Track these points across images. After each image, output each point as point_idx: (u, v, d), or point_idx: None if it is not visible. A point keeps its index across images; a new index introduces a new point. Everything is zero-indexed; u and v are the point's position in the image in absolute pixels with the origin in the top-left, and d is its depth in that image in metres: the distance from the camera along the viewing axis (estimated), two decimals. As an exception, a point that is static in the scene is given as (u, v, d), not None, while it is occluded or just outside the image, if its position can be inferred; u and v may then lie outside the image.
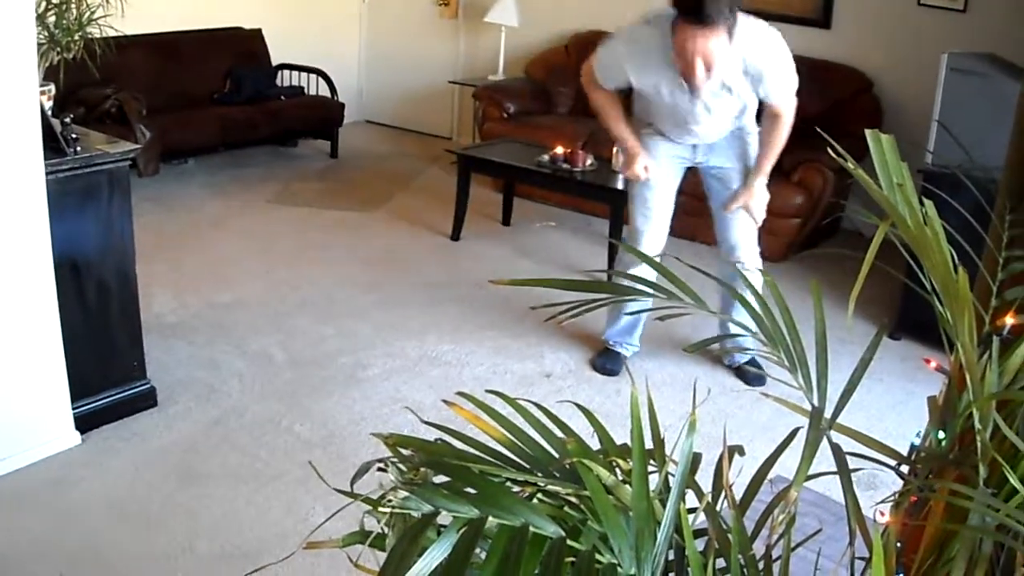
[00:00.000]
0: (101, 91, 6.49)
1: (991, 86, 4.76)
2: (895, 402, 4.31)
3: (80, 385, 3.70)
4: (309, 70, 8.25)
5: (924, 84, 5.30)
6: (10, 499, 3.35)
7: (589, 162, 5.76)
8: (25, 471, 3.50)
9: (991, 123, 4.12)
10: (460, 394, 1.43)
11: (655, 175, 4.31)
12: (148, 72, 7.26)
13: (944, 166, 4.59)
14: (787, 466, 1.33)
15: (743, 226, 4.37)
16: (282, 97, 8.02)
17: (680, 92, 3.96)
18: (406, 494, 1.10)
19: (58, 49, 3.96)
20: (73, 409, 3.69)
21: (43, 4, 3.94)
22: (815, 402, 1.32)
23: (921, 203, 1.25)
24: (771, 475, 1.40)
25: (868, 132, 1.24)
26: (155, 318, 4.66)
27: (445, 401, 1.38)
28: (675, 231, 4.69)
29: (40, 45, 3.81)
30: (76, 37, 4.01)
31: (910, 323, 4.86)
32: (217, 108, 7.56)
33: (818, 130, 1.62)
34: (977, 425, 1.22)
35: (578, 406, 1.49)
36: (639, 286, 1.37)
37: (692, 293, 1.41)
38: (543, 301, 1.46)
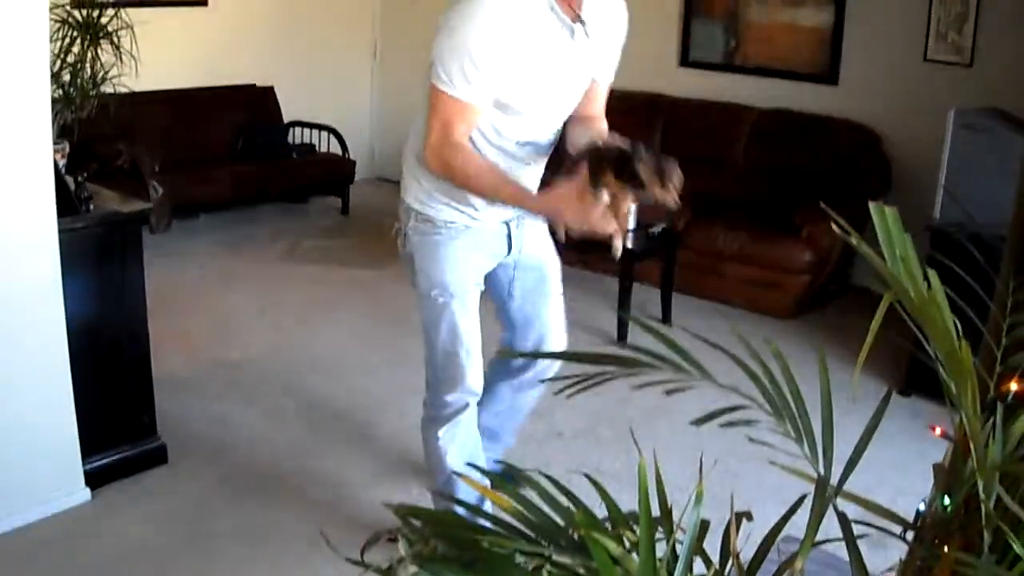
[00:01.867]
0: (114, 146, 6.55)
1: (999, 142, 4.79)
2: (904, 461, 4.28)
3: (91, 441, 3.71)
4: (321, 127, 8.33)
5: (932, 139, 5.32)
6: (19, 555, 3.36)
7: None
8: (35, 526, 3.51)
9: (1000, 179, 4.15)
10: (470, 465, 1.44)
11: (466, 288, 3.16)
12: (161, 128, 7.34)
13: (952, 223, 4.63)
14: (798, 524, 1.34)
15: (556, 304, 3.46)
16: (294, 154, 8.10)
17: (564, 47, 2.87)
18: (415, 569, 1.11)
19: (72, 108, 4.02)
20: (84, 465, 3.70)
21: (58, 63, 4.01)
22: (821, 471, 1.34)
23: (925, 276, 1.27)
24: (781, 534, 1.41)
25: (872, 205, 1.26)
26: (166, 374, 4.67)
27: (456, 473, 1.39)
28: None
29: (55, 103, 3.87)
30: (91, 95, 4.07)
31: (920, 380, 4.84)
32: (229, 165, 7.65)
33: (822, 205, 1.63)
34: (981, 494, 1.23)
35: (588, 477, 1.50)
36: (646, 358, 1.38)
37: (698, 365, 1.43)
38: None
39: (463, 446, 3.22)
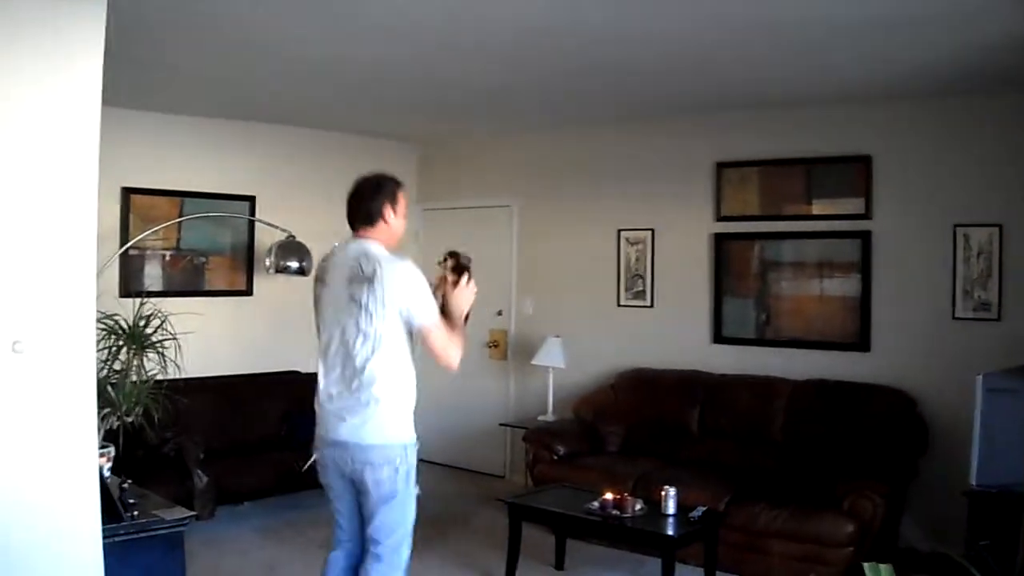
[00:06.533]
0: (161, 433, 6.63)
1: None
2: None
3: None
4: (363, 414, 8.40)
5: (965, 399, 5.26)
6: None
7: (638, 507, 5.67)
8: None
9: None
10: None
11: None
12: (207, 415, 7.48)
13: (989, 485, 4.63)
14: None
15: None
16: (336, 440, 8.14)
17: None
18: None
19: (118, 414, 4.10)
20: None
21: (104, 369, 4.13)
22: None
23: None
24: None
25: (866, 566, 1.30)
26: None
27: None
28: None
29: (100, 408, 3.97)
30: (134, 404, 4.15)
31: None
32: (273, 451, 7.70)
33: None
34: None
35: None
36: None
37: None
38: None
39: None
